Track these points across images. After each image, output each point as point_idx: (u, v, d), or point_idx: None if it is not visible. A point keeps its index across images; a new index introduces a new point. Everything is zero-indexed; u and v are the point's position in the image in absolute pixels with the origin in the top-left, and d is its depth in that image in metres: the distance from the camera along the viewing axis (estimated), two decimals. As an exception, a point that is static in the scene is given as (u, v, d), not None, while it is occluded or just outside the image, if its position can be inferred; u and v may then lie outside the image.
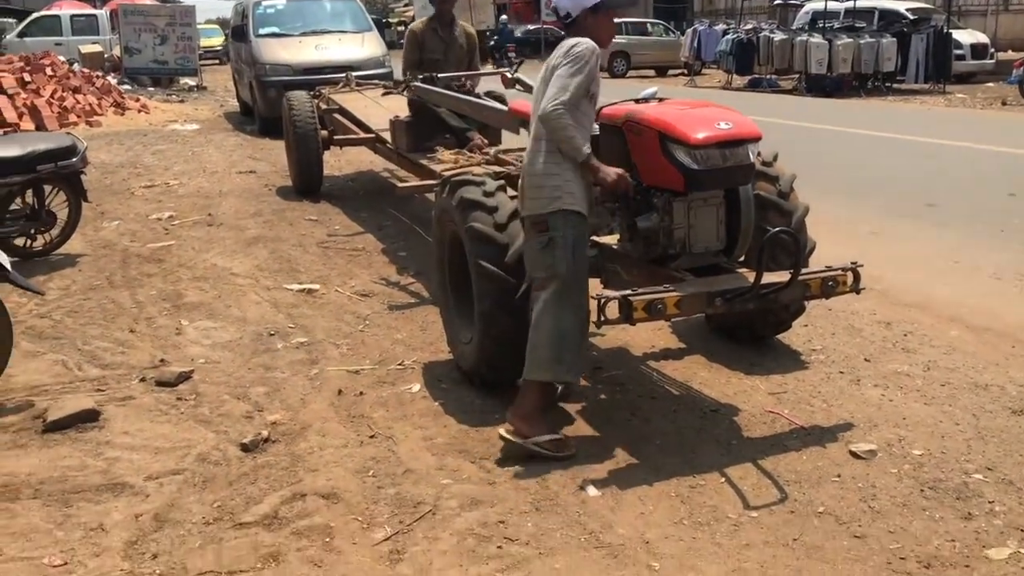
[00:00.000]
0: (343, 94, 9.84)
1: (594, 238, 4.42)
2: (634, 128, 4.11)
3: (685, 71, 27.59)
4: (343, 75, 10.58)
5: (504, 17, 36.85)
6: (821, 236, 4.94)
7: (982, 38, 23.11)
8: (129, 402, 4.49)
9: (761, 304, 4.00)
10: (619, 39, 28.73)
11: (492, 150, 6.64)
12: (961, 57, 21.67)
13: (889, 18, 22.28)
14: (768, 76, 23.09)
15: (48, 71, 16.10)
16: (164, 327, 5.57)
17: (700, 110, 4.19)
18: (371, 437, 4.06)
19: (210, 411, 4.38)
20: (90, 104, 16.01)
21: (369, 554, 3.17)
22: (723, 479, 3.62)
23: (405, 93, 7.72)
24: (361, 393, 4.54)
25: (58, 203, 7.18)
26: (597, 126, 4.25)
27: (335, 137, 8.87)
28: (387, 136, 7.84)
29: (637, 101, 4.39)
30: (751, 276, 3.89)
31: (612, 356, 4.95)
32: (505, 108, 6.10)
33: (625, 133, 4.17)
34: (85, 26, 25.95)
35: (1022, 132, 13.32)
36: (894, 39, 20.34)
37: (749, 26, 24.59)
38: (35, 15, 26.77)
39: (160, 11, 22.55)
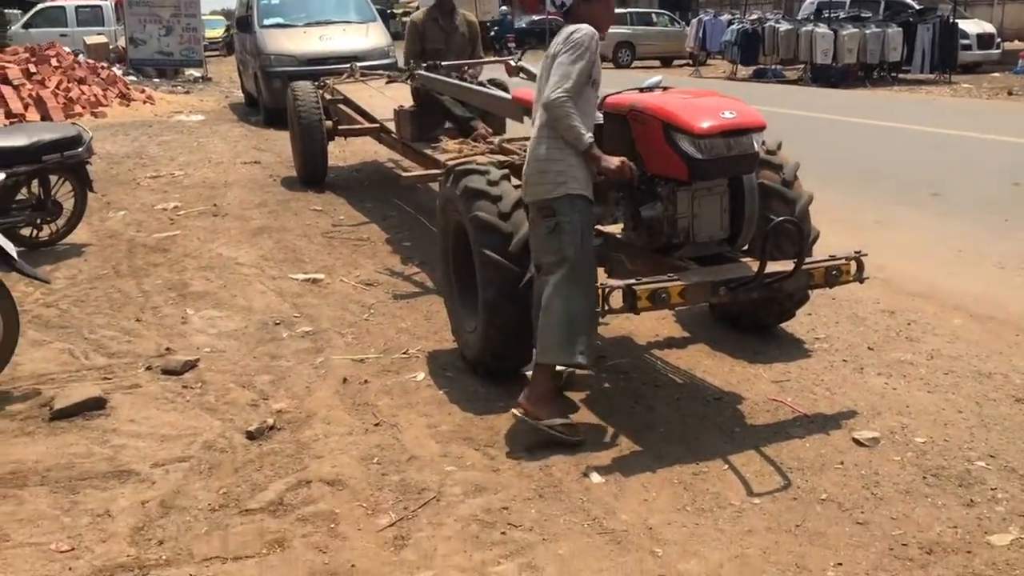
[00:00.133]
0: (347, 84, 9.83)
1: (598, 227, 4.43)
2: (638, 117, 4.11)
3: (690, 61, 27.54)
4: (347, 65, 10.58)
5: (504, 8, 36.77)
6: (825, 225, 4.95)
7: (988, 28, 23.03)
8: (135, 390, 4.51)
9: (765, 293, 4.01)
10: (624, 29, 28.73)
11: (496, 139, 6.65)
12: (967, 47, 21.60)
13: (895, 8, 22.25)
14: (773, 66, 23.05)
15: (53, 62, 16.12)
16: (170, 316, 5.60)
17: (704, 99, 4.19)
18: (376, 425, 4.09)
19: (216, 399, 4.41)
20: (95, 95, 16.03)
21: (374, 540, 3.20)
22: (726, 466, 3.64)
23: (409, 82, 7.72)
24: (366, 381, 4.56)
25: (64, 193, 7.20)
26: (601, 115, 4.26)
27: (339, 127, 8.88)
28: (391, 126, 7.84)
29: (641, 90, 4.39)
30: (755, 265, 3.90)
31: (616, 344, 4.97)
32: (509, 96, 6.10)
33: (630, 122, 4.17)
34: (90, 17, 25.92)
35: (1028, 122, 13.29)
36: (900, 29, 20.29)
37: (754, 16, 24.57)
38: (40, 6, 26.78)
39: (165, 2, 22.47)
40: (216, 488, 3.56)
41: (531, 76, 5.99)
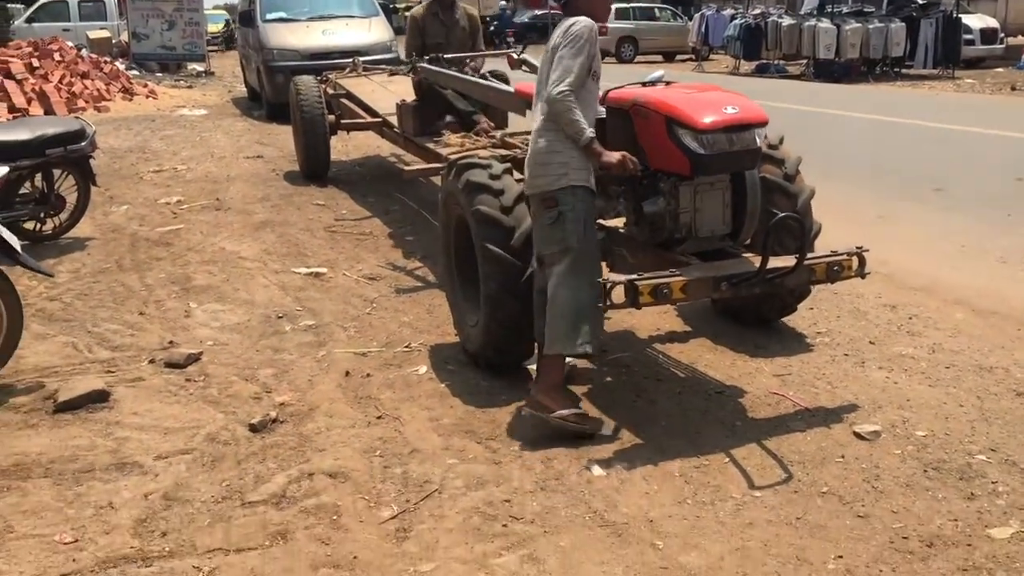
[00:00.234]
0: (350, 79, 9.83)
1: (600, 221, 4.43)
2: (641, 112, 4.11)
3: (693, 56, 27.50)
4: (350, 60, 10.58)
5: (503, 3, 36.75)
6: (828, 220, 4.95)
7: (992, 23, 22.96)
8: (139, 383, 4.53)
9: (766, 289, 4.01)
10: (627, 24, 28.72)
11: (499, 133, 6.65)
12: (970, 42, 21.55)
13: (898, 2, 22.17)
14: (776, 61, 23.02)
15: (56, 57, 16.12)
16: (173, 310, 5.61)
17: (707, 94, 4.20)
18: (378, 418, 4.10)
19: (219, 392, 4.42)
20: (98, 89, 16.02)
21: (376, 532, 3.21)
22: (727, 459, 3.65)
23: (411, 75, 7.72)
24: (368, 375, 4.57)
25: (67, 187, 7.22)
26: (603, 109, 4.27)
27: (342, 122, 8.87)
28: (394, 120, 7.84)
29: (644, 85, 4.39)
30: (756, 261, 3.90)
31: (618, 338, 4.98)
32: (510, 89, 6.10)
33: (632, 117, 4.17)
34: (93, 12, 25.91)
35: (1031, 117, 13.27)
36: (903, 24, 20.25)
37: (757, 11, 24.51)
38: (43, 1, 26.74)
39: (168, -3, 22.51)
40: (219, 480, 3.57)
41: (533, 69, 5.99)
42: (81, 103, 15.05)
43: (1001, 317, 5.17)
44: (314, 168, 9.37)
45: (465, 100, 7.14)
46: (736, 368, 4.56)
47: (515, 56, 6.75)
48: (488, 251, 4.17)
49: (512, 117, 7.24)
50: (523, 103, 5.58)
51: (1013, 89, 17.55)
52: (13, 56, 15.27)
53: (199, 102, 17.27)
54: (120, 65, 19.43)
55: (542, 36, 30.03)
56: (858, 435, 3.81)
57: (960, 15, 20.75)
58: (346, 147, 11.31)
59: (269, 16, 14.49)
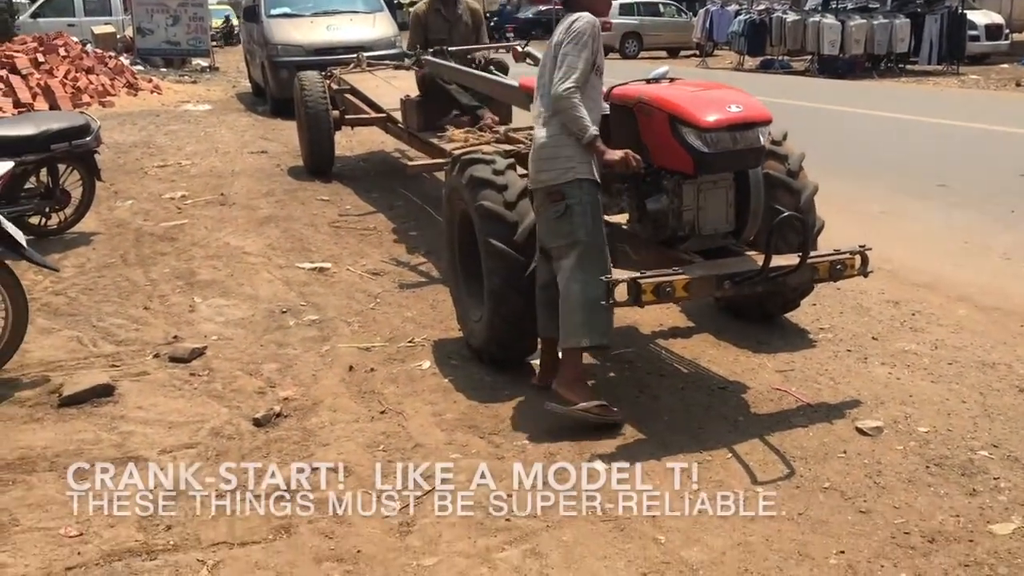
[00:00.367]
0: (354, 74, 9.83)
1: (604, 217, 4.43)
2: (645, 109, 4.11)
3: (697, 52, 27.45)
4: (354, 55, 10.58)
5: None
6: (831, 216, 4.96)
7: (997, 19, 22.86)
8: (143, 377, 4.54)
9: (769, 287, 4.02)
10: (631, 20, 28.68)
11: (503, 128, 6.66)
12: (975, 38, 21.46)
13: (902, -2, 22.11)
14: (780, 57, 22.95)
15: (61, 52, 16.13)
16: (177, 304, 5.63)
17: (711, 92, 4.20)
18: (382, 413, 4.11)
19: (223, 387, 4.44)
20: (103, 85, 16.03)
21: (379, 526, 3.23)
22: (730, 455, 3.66)
23: (415, 70, 7.72)
24: (372, 370, 4.59)
25: (72, 182, 7.23)
26: (608, 106, 4.27)
27: (346, 117, 8.89)
28: (398, 116, 7.85)
29: (648, 81, 4.39)
30: (759, 259, 3.90)
31: (621, 334, 4.97)
32: (514, 83, 6.10)
33: (636, 114, 4.17)
34: (98, 7, 25.90)
35: (1036, 113, 13.25)
36: (908, 20, 20.18)
37: (761, 7, 24.40)
38: (47, -4, 26.79)
39: (172, -9, 22.51)
40: (223, 474, 3.58)
41: (537, 62, 5.99)
42: (86, 98, 15.06)
43: (1004, 313, 5.17)
44: (318, 163, 9.37)
45: (469, 95, 7.14)
46: (739, 364, 4.56)
47: (519, 49, 6.74)
48: (492, 246, 4.18)
49: (516, 111, 7.25)
50: (527, 97, 5.57)
51: (1018, 85, 17.50)
52: (18, 51, 15.30)
53: (203, 97, 17.28)
54: (125, 60, 19.44)
55: (547, 32, 30.04)
56: (860, 431, 3.82)
57: (965, 11, 20.66)
58: (350, 142, 11.32)
59: (273, 11, 14.49)
